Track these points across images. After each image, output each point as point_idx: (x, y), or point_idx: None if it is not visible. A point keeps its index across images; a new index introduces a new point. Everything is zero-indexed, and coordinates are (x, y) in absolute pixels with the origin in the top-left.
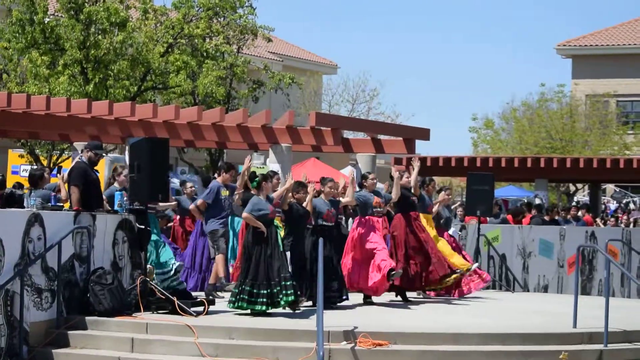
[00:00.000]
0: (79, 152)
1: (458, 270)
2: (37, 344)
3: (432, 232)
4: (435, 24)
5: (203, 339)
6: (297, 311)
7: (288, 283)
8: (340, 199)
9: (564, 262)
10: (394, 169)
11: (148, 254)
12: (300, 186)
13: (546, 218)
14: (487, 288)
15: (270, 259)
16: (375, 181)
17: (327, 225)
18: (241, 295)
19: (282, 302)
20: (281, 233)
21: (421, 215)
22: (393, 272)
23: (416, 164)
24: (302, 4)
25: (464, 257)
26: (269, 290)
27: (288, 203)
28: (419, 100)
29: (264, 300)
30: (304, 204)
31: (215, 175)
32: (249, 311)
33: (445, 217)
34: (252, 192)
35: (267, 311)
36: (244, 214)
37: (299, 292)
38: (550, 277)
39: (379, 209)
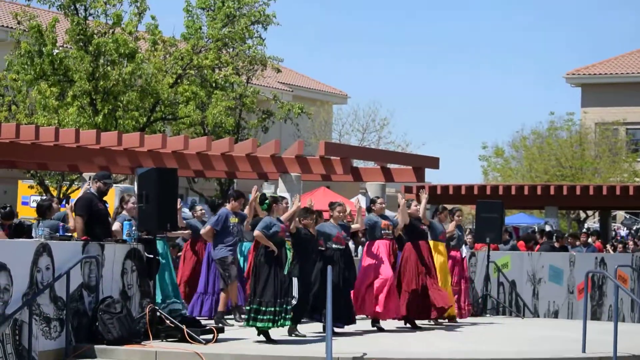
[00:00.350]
0: (87, 180)
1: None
2: None
3: (443, 260)
4: (445, 53)
5: None
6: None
7: (289, 307)
8: (351, 224)
9: (574, 288)
10: (399, 195)
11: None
12: (307, 212)
13: (556, 245)
14: (498, 314)
15: (280, 279)
16: (383, 205)
17: (337, 248)
18: (251, 314)
19: (280, 323)
20: (290, 256)
21: (433, 243)
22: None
23: (424, 196)
24: (311, 34)
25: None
26: (273, 309)
27: (296, 227)
28: (429, 129)
29: (269, 317)
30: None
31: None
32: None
33: (456, 236)
34: (262, 215)
35: (271, 328)
36: (256, 232)
37: (296, 320)
38: (560, 303)
39: (387, 231)
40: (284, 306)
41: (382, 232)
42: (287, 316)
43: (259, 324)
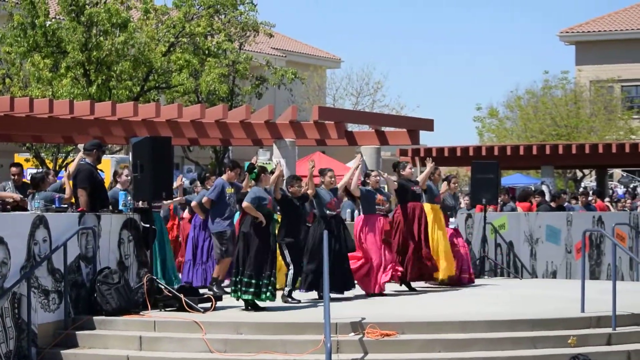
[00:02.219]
0: (81, 151)
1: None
2: (45, 346)
3: (442, 224)
4: (437, 14)
5: (211, 335)
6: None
7: (271, 280)
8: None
9: (572, 248)
10: (385, 174)
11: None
12: (294, 179)
13: (552, 205)
14: (495, 275)
15: (267, 251)
16: (378, 179)
17: (331, 214)
18: (239, 286)
19: (263, 297)
20: (276, 228)
21: (430, 205)
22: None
23: (430, 164)
24: None
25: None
26: (258, 282)
27: (281, 194)
28: (423, 91)
29: (254, 290)
30: (305, 188)
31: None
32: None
33: (450, 206)
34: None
35: (255, 301)
36: (244, 204)
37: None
38: (558, 262)
39: (381, 207)
40: (270, 280)
41: (377, 207)
42: (269, 289)
43: (244, 296)
